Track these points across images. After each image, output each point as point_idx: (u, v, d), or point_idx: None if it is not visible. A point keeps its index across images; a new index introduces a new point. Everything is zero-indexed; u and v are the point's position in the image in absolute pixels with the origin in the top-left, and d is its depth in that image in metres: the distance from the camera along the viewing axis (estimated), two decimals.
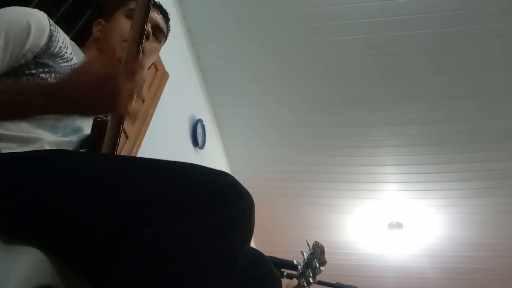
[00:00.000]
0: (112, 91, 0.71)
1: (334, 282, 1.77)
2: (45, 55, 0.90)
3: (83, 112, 0.76)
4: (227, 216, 0.59)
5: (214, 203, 0.59)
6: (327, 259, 1.68)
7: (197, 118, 2.89)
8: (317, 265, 1.60)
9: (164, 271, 0.54)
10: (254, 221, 0.64)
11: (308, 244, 1.68)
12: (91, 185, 0.65)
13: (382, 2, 2.40)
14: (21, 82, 0.84)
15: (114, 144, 0.86)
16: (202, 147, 2.94)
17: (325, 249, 1.71)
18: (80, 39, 1.17)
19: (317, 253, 1.64)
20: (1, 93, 0.74)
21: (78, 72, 0.74)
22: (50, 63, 0.90)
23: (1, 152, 0.78)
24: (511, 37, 2.47)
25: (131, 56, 0.75)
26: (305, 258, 1.64)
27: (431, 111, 3.00)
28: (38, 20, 0.90)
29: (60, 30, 1.00)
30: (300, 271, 1.59)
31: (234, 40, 2.71)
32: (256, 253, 0.91)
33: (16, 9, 0.90)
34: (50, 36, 0.92)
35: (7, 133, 0.82)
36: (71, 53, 0.99)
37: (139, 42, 0.76)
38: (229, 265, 0.59)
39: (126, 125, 1.87)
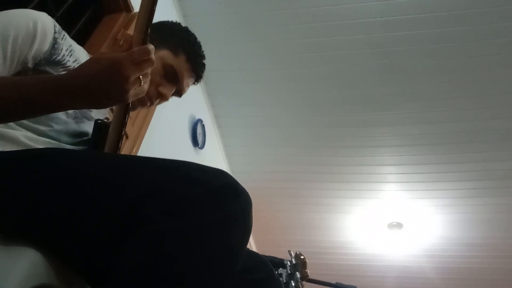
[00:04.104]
0: (119, 77, 0.70)
1: (334, 282, 1.76)
2: (47, 62, 0.86)
3: (92, 102, 0.73)
4: (225, 215, 0.59)
5: (213, 201, 0.60)
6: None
7: (197, 118, 2.89)
8: (299, 278, 1.56)
9: (164, 269, 0.54)
10: (252, 220, 0.64)
11: (291, 254, 1.63)
12: (90, 184, 0.65)
13: (382, 2, 2.40)
14: (23, 78, 0.80)
15: (116, 147, 0.85)
16: (202, 147, 2.94)
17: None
18: (80, 39, 1.16)
19: (299, 265, 1.59)
20: (4, 90, 0.71)
21: (86, 64, 0.73)
22: (51, 71, 0.87)
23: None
24: (511, 37, 2.48)
25: (137, 45, 0.74)
26: (289, 268, 1.59)
27: (431, 111, 3.00)
28: (43, 24, 0.87)
29: (67, 37, 0.95)
30: (285, 281, 1.56)
31: (234, 40, 2.71)
32: (257, 256, 0.91)
33: (23, 12, 0.87)
34: (54, 44, 0.88)
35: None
36: (74, 61, 0.94)
37: (146, 30, 0.74)
38: (228, 263, 0.59)
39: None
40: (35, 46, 0.84)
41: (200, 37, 1.14)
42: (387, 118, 3.10)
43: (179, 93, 1.11)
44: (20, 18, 0.84)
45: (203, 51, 1.13)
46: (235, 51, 2.77)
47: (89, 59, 0.74)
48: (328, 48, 2.68)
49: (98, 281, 0.68)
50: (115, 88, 0.70)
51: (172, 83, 1.07)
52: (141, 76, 0.73)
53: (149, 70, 0.74)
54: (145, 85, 0.75)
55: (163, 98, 1.06)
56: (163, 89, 1.05)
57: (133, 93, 0.73)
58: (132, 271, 0.55)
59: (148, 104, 1.06)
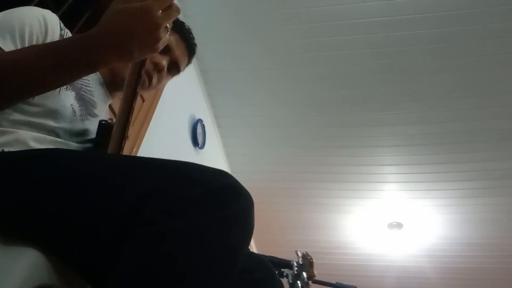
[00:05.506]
0: (151, 25, 0.70)
1: (334, 282, 1.76)
2: None
3: (123, 54, 0.72)
4: (226, 215, 0.59)
5: (213, 201, 0.59)
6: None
7: (197, 118, 2.89)
8: (306, 278, 1.56)
9: (164, 269, 0.54)
10: (253, 220, 0.64)
11: (298, 254, 1.63)
12: (90, 184, 0.65)
13: (382, 2, 2.40)
14: (53, 42, 0.79)
15: (120, 147, 0.85)
16: (202, 147, 2.94)
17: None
18: None
19: (306, 265, 1.59)
20: (39, 57, 0.71)
21: (110, 16, 0.72)
22: None
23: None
24: (511, 37, 2.48)
25: None
26: (295, 269, 1.59)
27: (431, 111, 3.00)
28: (51, 21, 0.88)
29: (70, 34, 0.96)
30: (291, 281, 1.56)
31: (234, 40, 2.71)
32: (257, 256, 0.91)
33: (32, 9, 0.88)
34: None
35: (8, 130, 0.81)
36: None
37: None
38: (228, 263, 0.59)
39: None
40: (47, 41, 0.85)
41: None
42: (387, 118, 3.10)
43: (176, 64, 1.09)
44: (31, 15, 0.85)
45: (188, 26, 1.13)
46: (235, 51, 2.77)
47: (111, 11, 0.72)
48: (328, 48, 2.68)
49: (98, 281, 0.68)
50: (147, 36, 0.70)
51: (163, 53, 1.04)
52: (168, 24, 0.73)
53: (171, 20, 0.74)
54: (168, 36, 0.75)
55: (158, 67, 1.03)
56: (155, 58, 1.02)
57: (163, 42, 0.73)
58: (132, 271, 0.55)
59: (147, 82, 1.03)
